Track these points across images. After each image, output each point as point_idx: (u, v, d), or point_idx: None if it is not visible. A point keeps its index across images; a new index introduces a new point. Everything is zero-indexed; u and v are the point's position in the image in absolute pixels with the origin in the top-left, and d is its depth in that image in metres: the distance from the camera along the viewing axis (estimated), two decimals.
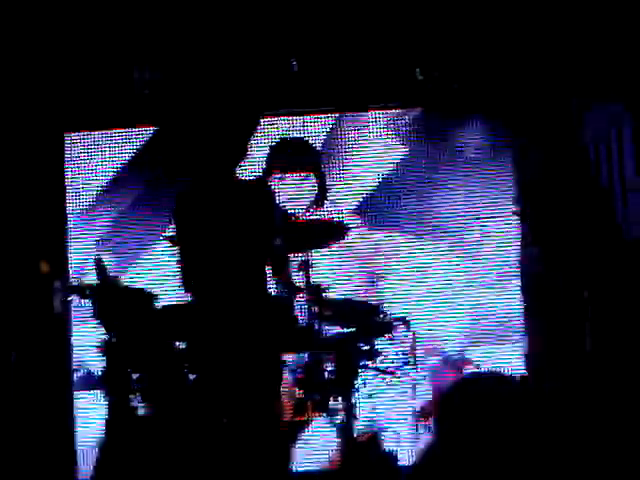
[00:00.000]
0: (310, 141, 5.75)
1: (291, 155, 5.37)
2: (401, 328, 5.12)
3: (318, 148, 5.79)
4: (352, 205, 5.78)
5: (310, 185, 5.64)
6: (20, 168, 5.73)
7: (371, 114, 5.87)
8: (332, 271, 5.63)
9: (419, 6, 5.57)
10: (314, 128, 5.86)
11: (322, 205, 5.36)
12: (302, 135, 5.80)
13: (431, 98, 5.76)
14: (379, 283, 5.68)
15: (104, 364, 4.63)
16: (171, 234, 4.69)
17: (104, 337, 4.70)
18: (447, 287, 5.70)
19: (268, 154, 5.14)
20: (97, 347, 4.74)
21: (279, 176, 5.02)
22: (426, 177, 5.77)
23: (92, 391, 5.64)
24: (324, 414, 4.78)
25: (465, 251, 5.72)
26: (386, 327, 5.03)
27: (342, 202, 5.77)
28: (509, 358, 5.58)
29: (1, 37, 5.56)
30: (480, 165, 5.76)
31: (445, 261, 5.72)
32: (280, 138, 5.68)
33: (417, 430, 5.36)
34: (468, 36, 5.59)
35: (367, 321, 4.97)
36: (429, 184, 5.77)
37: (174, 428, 4.59)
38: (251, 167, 5.45)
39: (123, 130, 5.95)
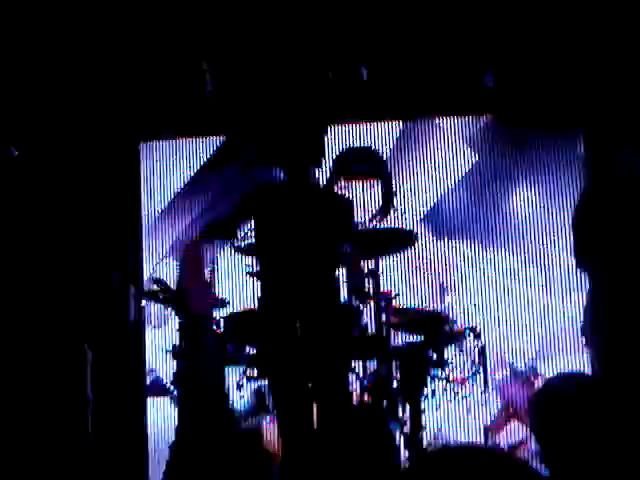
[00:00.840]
0: (376, 149, 5.76)
1: (356, 163, 5.38)
2: (470, 338, 5.07)
3: (385, 156, 5.80)
4: (420, 214, 5.77)
5: (376, 193, 5.64)
6: (97, 177, 5.84)
7: (440, 121, 5.86)
8: (401, 279, 5.62)
9: (488, 11, 5.54)
10: (382, 136, 5.87)
11: (387, 214, 5.35)
12: (369, 143, 5.82)
13: (503, 105, 5.72)
14: (448, 294, 5.65)
15: (175, 369, 4.72)
16: (242, 244, 4.75)
17: (175, 343, 4.80)
18: (518, 298, 5.65)
19: (334, 162, 5.16)
20: (169, 352, 4.84)
21: (344, 184, 5.02)
22: (496, 186, 5.73)
23: (162, 396, 5.72)
24: (392, 422, 4.76)
25: (538, 262, 5.66)
26: (455, 337, 5.00)
27: (409, 211, 5.78)
28: (580, 371, 5.49)
29: (80, 50, 5.68)
30: (554, 173, 5.70)
31: (517, 272, 5.67)
32: (346, 147, 5.70)
33: (486, 443, 5.32)
34: (542, 42, 5.54)
35: (436, 330, 4.95)
36: (499, 193, 5.73)
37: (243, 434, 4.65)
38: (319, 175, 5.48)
39: (198, 139, 6.04)
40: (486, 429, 5.43)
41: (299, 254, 4.32)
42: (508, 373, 5.60)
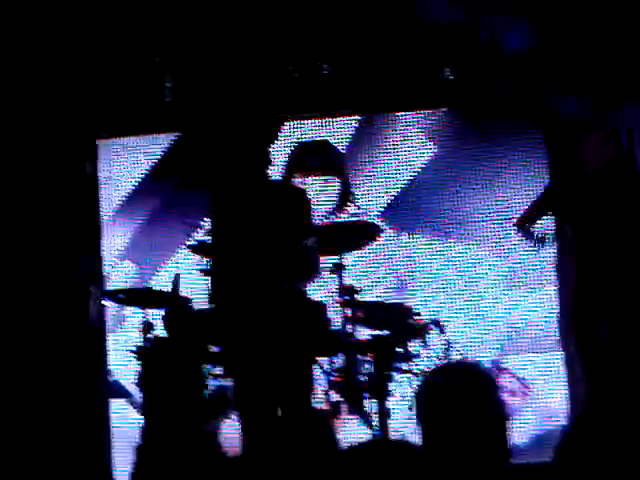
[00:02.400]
0: (333, 143, 5.72)
1: (312, 157, 5.34)
2: (435, 331, 5.06)
3: (343, 151, 5.76)
4: (380, 208, 5.74)
5: (333, 188, 5.59)
6: (55, 175, 5.76)
7: (398, 115, 5.81)
8: (365, 274, 5.59)
9: None
10: (341, 131, 5.82)
11: (345, 209, 5.33)
12: (327, 138, 5.78)
13: (461, 97, 5.71)
14: (406, 288, 5.62)
15: (139, 369, 4.66)
16: (194, 242, 4.70)
17: (139, 343, 4.75)
18: (482, 292, 5.62)
19: (289, 157, 5.11)
20: (131, 352, 4.78)
21: (300, 179, 4.97)
22: (456, 179, 5.71)
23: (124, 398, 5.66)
24: (359, 417, 4.74)
25: (500, 255, 5.64)
26: (420, 330, 4.99)
27: (369, 205, 5.72)
28: (547, 366, 5.50)
29: (35, 47, 5.60)
30: (512, 165, 5.69)
31: (479, 265, 5.65)
32: (302, 141, 5.64)
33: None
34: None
35: (400, 324, 4.93)
36: (460, 186, 5.70)
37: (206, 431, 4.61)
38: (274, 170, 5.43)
39: (154, 136, 5.97)
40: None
41: (259, 251, 4.30)
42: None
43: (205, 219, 4.65)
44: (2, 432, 5.30)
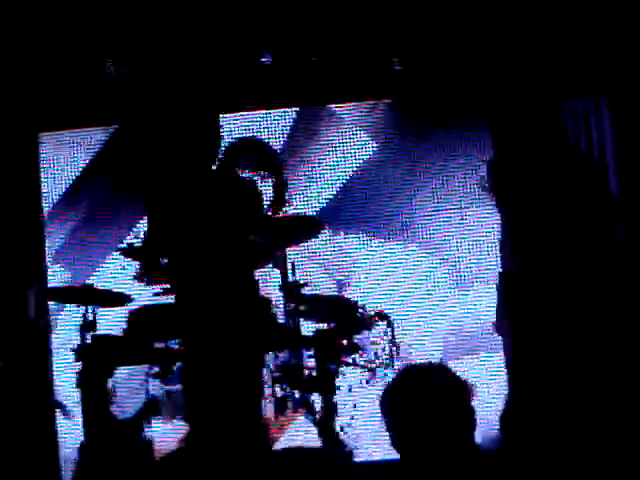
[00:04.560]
0: (267, 141, 5.66)
1: (244, 154, 5.29)
2: (381, 324, 5.05)
3: (281, 145, 5.69)
4: (318, 206, 5.68)
5: (268, 186, 5.53)
6: None
7: (338, 107, 5.75)
8: (310, 268, 5.56)
9: None
10: (280, 123, 5.76)
11: (281, 207, 5.30)
12: (262, 132, 5.72)
13: (408, 90, 5.68)
14: (345, 289, 5.59)
15: (80, 368, 4.62)
16: (127, 245, 4.65)
17: (79, 342, 4.70)
18: (423, 292, 5.59)
19: (224, 153, 5.05)
20: (73, 350, 4.73)
21: (236, 176, 4.91)
22: (398, 175, 5.68)
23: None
24: (305, 412, 4.73)
25: (442, 253, 5.62)
26: (365, 323, 4.98)
27: (307, 202, 5.67)
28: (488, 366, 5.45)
29: None
30: (457, 161, 5.67)
31: (419, 263, 5.62)
32: (236, 138, 5.57)
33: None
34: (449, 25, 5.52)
35: (346, 317, 4.92)
36: (402, 182, 5.67)
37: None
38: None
39: (96, 129, 5.89)
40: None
41: (207, 246, 4.26)
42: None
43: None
44: None
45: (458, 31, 5.49)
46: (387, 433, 2.59)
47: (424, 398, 2.52)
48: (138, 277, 4.51)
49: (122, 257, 4.67)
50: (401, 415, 2.53)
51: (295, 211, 5.43)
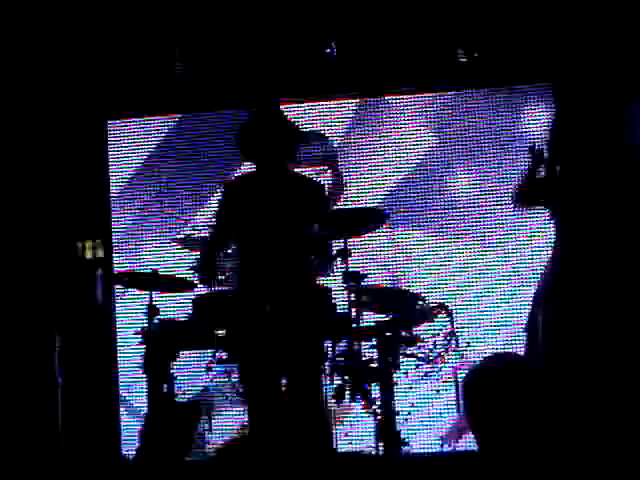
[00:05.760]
0: (325, 134, 5.66)
1: (305, 148, 5.31)
2: (441, 315, 5.04)
3: (337, 137, 5.68)
4: (376, 198, 5.69)
5: (326, 180, 5.54)
6: (64, 157, 5.78)
7: (399, 99, 5.76)
8: (372, 258, 5.58)
9: None
10: (339, 114, 5.77)
11: (339, 199, 5.30)
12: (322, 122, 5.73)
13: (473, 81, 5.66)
14: (400, 284, 5.60)
15: (144, 351, 4.69)
16: (185, 235, 4.69)
17: (144, 324, 4.77)
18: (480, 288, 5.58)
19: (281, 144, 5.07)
20: (137, 333, 4.80)
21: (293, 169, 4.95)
22: (453, 166, 5.66)
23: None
24: (362, 401, 4.74)
25: (492, 246, 5.61)
26: (426, 314, 4.97)
27: (365, 195, 5.67)
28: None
29: (45, 30, 5.61)
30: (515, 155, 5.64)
31: (476, 260, 5.61)
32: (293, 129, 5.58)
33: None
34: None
35: (407, 308, 4.92)
36: (456, 174, 5.66)
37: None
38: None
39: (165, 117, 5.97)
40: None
41: (269, 237, 4.30)
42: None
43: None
44: (9, 416, 5.34)
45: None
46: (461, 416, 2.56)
47: (524, 389, 2.47)
48: (196, 271, 4.58)
49: (179, 246, 4.73)
50: (495, 403, 2.48)
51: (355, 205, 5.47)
